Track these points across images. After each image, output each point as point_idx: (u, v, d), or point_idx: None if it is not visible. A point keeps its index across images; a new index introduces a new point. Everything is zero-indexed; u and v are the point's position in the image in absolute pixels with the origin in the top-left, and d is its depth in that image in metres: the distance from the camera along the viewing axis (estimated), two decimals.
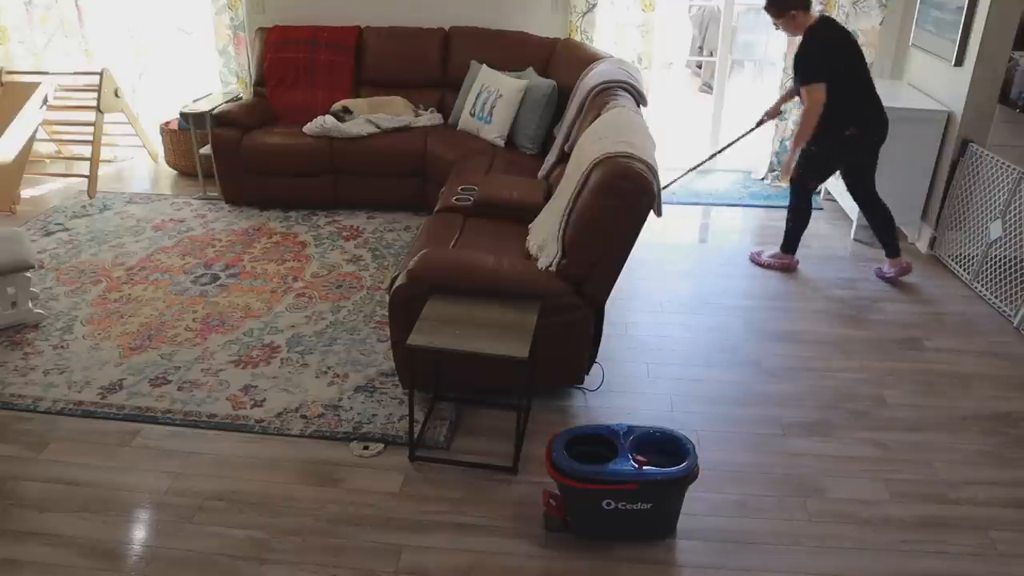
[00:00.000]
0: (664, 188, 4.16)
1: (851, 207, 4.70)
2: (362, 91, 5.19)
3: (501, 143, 4.72)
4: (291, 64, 5.17)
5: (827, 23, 3.79)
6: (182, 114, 5.06)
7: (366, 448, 2.81)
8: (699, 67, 8.96)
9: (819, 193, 5.29)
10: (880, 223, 4.09)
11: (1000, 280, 3.90)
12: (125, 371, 3.24)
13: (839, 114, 3.73)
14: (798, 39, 3.78)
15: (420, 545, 2.39)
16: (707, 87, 8.15)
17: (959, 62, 4.18)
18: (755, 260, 4.32)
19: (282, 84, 5.19)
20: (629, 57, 5.25)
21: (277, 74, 5.18)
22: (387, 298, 3.12)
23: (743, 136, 4.60)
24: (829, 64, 3.70)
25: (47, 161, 5.80)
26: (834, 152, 3.90)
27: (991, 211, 4.02)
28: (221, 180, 4.95)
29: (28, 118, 5.11)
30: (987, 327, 3.71)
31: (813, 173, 4.03)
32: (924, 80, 4.67)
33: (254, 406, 3.03)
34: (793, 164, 3.95)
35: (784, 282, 4.14)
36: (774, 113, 4.44)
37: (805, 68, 3.73)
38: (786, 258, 4.24)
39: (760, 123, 4.47)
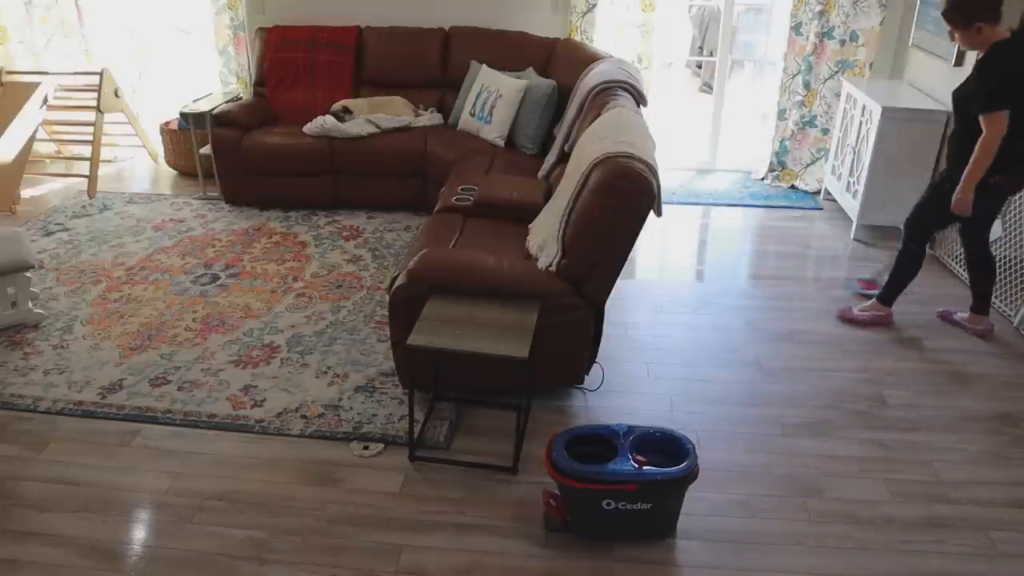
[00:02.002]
0: None
1: (851, 207, 4.71)
2: (362, 91, 5.19)
3: (501, 143, 4.71)
4: (291, 64, 5.16)
5: (1018, 43, 3.14)
6: (182, 114, 5.06)
7: (366, 448, 2.81)
8: (699, 67, 8.96)
9: (818, 193, 5.30)
10: (984, 274, 3.62)
11: (1000, 280, 3.89)
12: (125, 371, 3.24)
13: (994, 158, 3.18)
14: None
15: (420, 545, 2.39)
16: (707, 87, 8.14)
17: (959, 62, 4.18)
18: (845, 317, 3.74)
19: (282, 84, 5.19)
20: (629, 57, 5.25)
21: (277, 74, 5.18)
22: (387, 298, 3.12)
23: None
24: (1015, 89, 3.10)
25: (47, 161, 5.80)
26: (974, 200, 3.27)
27: None
28: (221, 180, 4.95)
29: (28, 118, 5.11)
30: None
31: (944, 217, 3.47)
32: (924, 80, 4.67)
33: (254, 406, 3.03)
34: (969, 200, 3.26)
35: (784, 283, 4.13)
36: None
37: (986, 92, 3.12)
38: (883, 311, 3.69)
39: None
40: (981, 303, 3.64)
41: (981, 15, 3.09)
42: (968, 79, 3.29)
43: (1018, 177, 3.29)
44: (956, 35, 3.22)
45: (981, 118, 3.14)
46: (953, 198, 3.28)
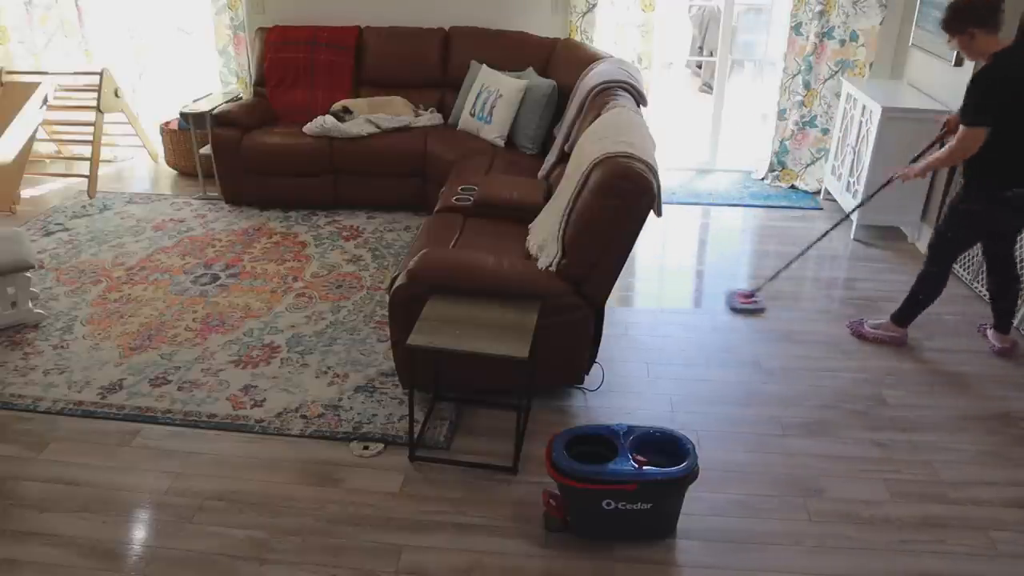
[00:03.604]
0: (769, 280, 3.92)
1: (851, 207, 4.70)
2: (362, 91, 5.19)
3: (501, 143, 4.72)
4: (291, 64, 5.16)
5: (1018, 52, 3.03)
6: (182, 114, 5.06)
7: (366, 448, 2.81)
8: (699, 67, 8.96)
9: (818, 193, 5.30)
10: (1007, 290, 3.45)
11: None
12: (125, 371, 3.24)
13: (1006, 170, 3.09)
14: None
15: (420, 545, 2.39)
16: (707, 87, 8.14)
17: (959, 62, 4.17)
18: (856, 331, 3.61)
19: (282, 84, 5.19)
20: (629, 57, 5.25)
21: (277, 74, 5.18)
22: (387, 298, 3.12)
23: (878, 191, 3.91)
24: (1001, 105, 3.00)
25: (47, 161, 5.80)
26: (992, 215, 3.21)
27: None
28: (221, 180, 4.95)
29: (28, 118, 5.11)
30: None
31: (962, 238, 3.35)
32: (924, 80, 4.67)
33: (254, 406, 3.03)
34: (911, 177, 3.29)
35: (784, 283, 4.13)
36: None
37: (973, 104, 3.03)
38: (897, 331, 3.53)
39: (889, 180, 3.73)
40: (1004, 322, 3.50)
41: (973, 20, 3.00)
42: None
43: None
44: (952, 41, 3.14)
45: (961, 128, 3.07)
46: (903, 169, 3.40)
